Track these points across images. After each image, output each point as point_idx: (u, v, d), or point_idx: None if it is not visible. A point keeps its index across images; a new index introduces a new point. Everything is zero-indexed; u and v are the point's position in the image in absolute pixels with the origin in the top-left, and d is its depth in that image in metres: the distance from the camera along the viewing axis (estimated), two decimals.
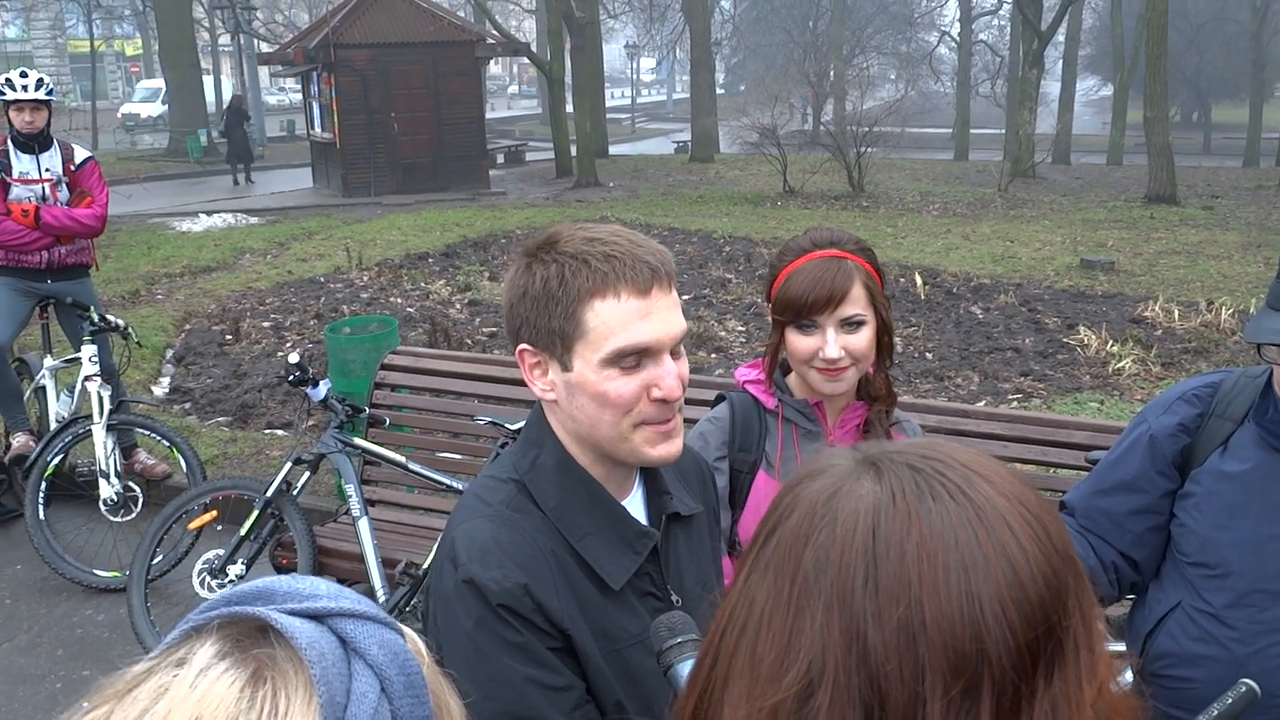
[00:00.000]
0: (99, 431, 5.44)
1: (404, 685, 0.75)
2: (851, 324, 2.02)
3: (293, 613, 0.75)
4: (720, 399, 2.25)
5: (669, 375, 1.45)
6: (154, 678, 0.71)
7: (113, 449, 5.48)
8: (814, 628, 0.77)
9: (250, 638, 0.73)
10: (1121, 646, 3.10)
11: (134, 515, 5.46)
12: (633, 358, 1.43)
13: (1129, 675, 3.04)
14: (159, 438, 5.64)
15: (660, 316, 1.44)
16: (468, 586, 1.41)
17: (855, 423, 2.16)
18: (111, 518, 5.44)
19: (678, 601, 1.58)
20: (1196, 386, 2.07)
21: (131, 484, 5.56)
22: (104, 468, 5.43)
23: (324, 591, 0.78)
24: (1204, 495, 1.98)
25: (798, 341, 2.05)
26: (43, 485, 5.43)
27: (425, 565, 4.14)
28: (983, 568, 0.75)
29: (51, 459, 5.47)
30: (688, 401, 4.66)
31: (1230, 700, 1.72)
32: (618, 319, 1.42)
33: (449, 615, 1.43)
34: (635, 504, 1.60)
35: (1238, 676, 1.87)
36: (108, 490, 5.43)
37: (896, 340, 2.27)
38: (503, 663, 1.40)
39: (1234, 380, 2.04)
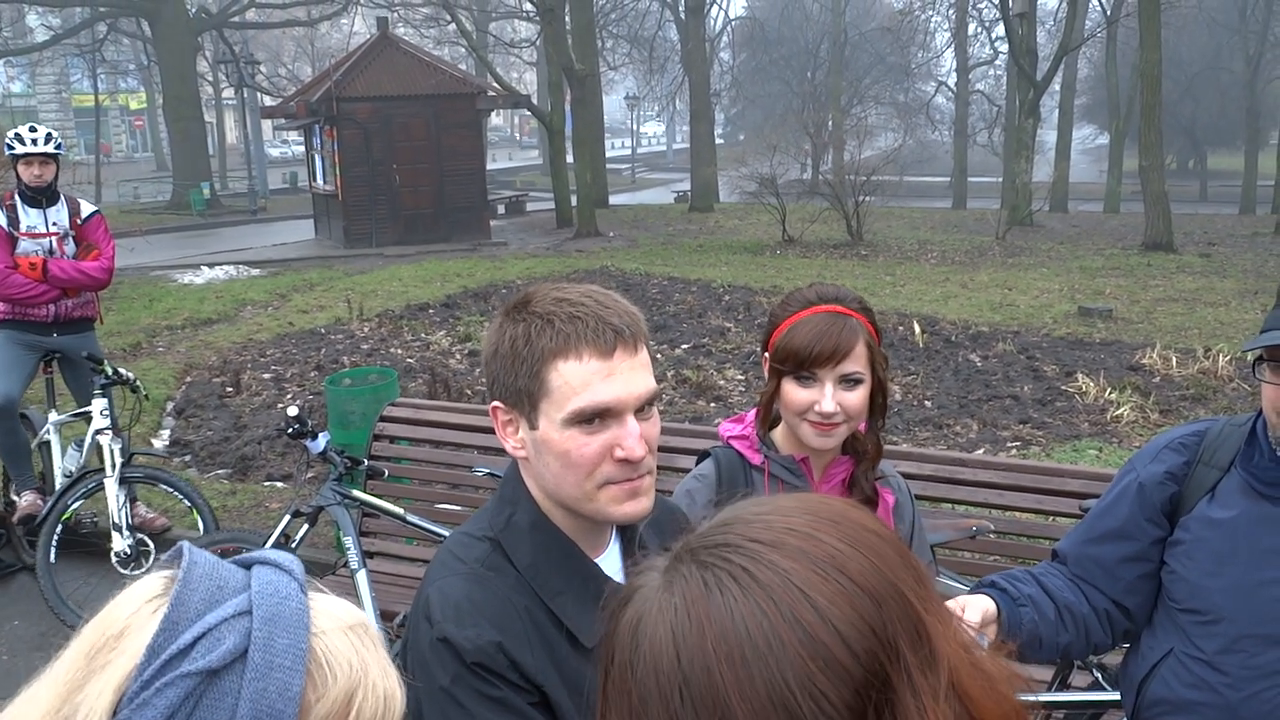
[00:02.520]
0: (111, 485, 5.44)
1: (270, 614, 0.84)
2: (850, 381, 2.03)
3: (235, 560, 0.91)
4: (705, 456, 2.26)
5: (631, 436, 1.46)
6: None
7: (124, 502, 5.48)
8: None
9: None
10: (1116, 695, 3.10)
11: (145, 569, 5.44)
12: (595, 418, 1.45)
13: None
14: (172, 490, 5.65)
15: (623, 378, 1.45)
16: (443, 645, 1.43)
17: (840, 477, 2.17)
18: (123, 570, 5.42)
19: None
20: (1183, 435, 2.09)
21: (145, 538, 5.55)
22: (116, 521, 5.42)
23: (269, 552, 0.93)
24: (1193, 542, 2.00)
25: (794, 393, 2.05)
26: (58, 529, 5.43)
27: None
28: (778, 647, 0.75)
29: (72, 503, 5.50)
30: (685, 452, 4.66)
31: None
32: (579, 379, 1.44)
33: (426, 673, 1.45)
34: (611, 559, 1.62)
35: None
36: (120, 544, 5.41)
37: (895, 388, 2.28)
38: (482, 715, 1.42)
39: (1220, 428, 2.06)
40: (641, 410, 1.49)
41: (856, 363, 2.03)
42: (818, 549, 0.80)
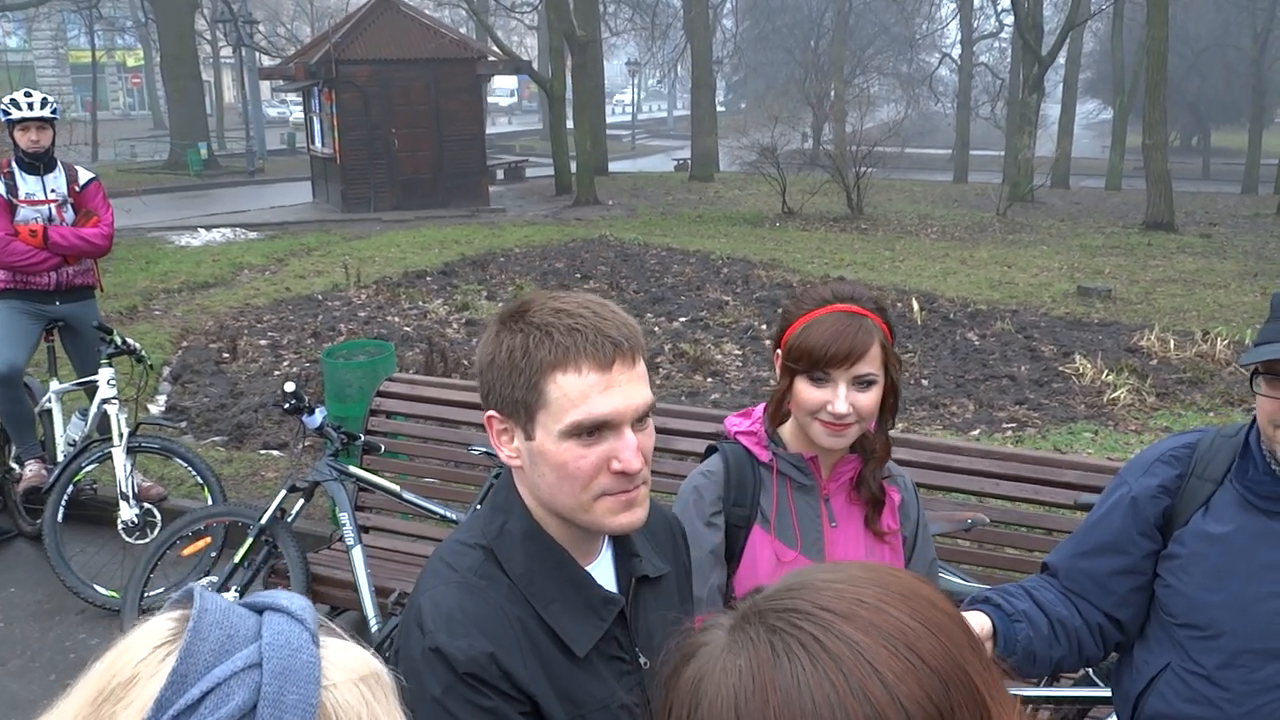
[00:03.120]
0: (119, 454, 5.45)
1: (281, 668, 0.82)
2: (863, 382, 2.02)
3: (245, 604, 0.88)
4: (711, 450, 2.25)
5: (628, 449, 1.46)
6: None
7: (130, 472, 5.48)
8: None
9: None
10: (1105, 692, 3.12)
11: (151, 538, 5.45)
12: (593, 430, 1.45)
13: None
14: (180, 461, 5.65)
15: (621, 390, 1.46)
16: (435, 655, 1.44)
17: (848, 476, 2.17)
18: (129, 539, 5.44)
19: (645, 664, 1.61)
20: (1174, 447, 2.09)
21: (152, 508, 5.56)
22: (124, 490, 5.43)
23: (280, 596, 0.90)
24: (1190, 557, 2.00)
25: (807, 392, 2.04)
26: (66, 494, 5.45)
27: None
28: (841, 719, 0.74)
29: (85, 466, 5.54)
30: (680, 434, 4.66)
31: None
32: (578, 392, 1.44)
33: (417, 682, 1.45)
34: (604, 567, 1.62)
35: None
36: (128, 513, 5.42)
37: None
38: None
39: (1210, 440, 2.06)
40: (638, 422, 1.49)
41: (871, 364, 2.02)
42: (889, 623, 0.79)
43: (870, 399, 2.03)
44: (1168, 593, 2.04)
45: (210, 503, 5.43)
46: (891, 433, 2.23)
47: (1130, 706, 2.10)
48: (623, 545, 1.65)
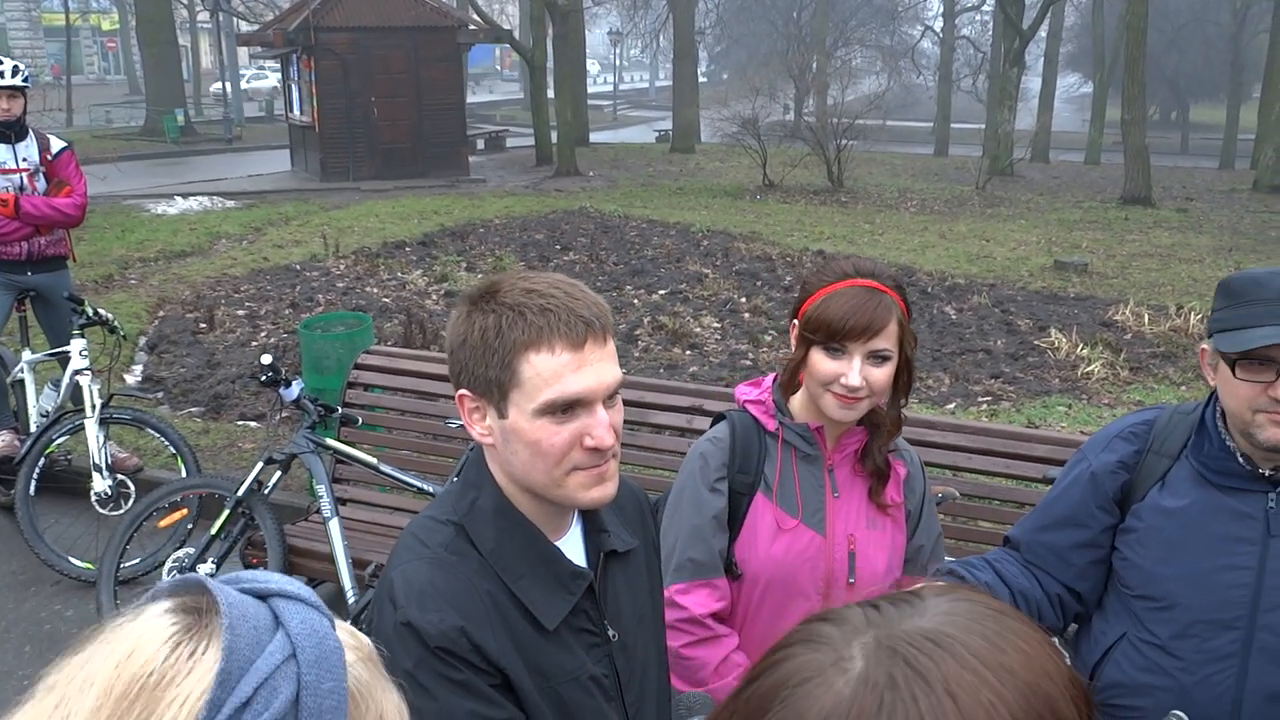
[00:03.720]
0: (91, 426, 5.42)
1: (315, 656, 0.84)
2: (879, 357, 2.05)
3: (243, 590, 0.87)
4: (720, 418, 2.28)
5: (600, 425, 1.50)
6: (114, 628, 0.84)
7: (104, 443, 5.46)
8: None
9: (199, 604, 0.85)
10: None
11: (124, 510, 5.44)
12: (565, 409, 1.48)
13: None
14: (155, 433, 5.63)
15: (593, 369, 1.49)
16: (406, 629, 1.47)
17: (853, 448, 2.21)
18: (102, 510, 5.42)
19: (614, 637, 1.64)
20: (1133, 424, 2.14)
21: (125, 479, 5.55)
22: (97, 461, 5.41)
23: (276, 579, 0.90)
24: (1146, 530, 2.05)
25: (822, 363, 2.07)
26: (39, 465, 5.42)
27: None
28: None
29: (57, 437, 5.51)
30: (657, 407, 4.68)
31: None
32: (551, 371, 1.47)
33: (389, 655, 1.48)
34: (573, 542, 1.65)
35: (1184, 705, 1.94)
36: (101, 484, 5.40)
37: None
38: (446, 698, 1.45)
39: (1168, 417, 2.11)
40: (609, 399, 1.52)
41: (887, 340, 2.05)
42: (1038, 688, 0.75)
43: (884, 374, 2.06)
44: (1124, 565, 2.09)
45: (184, 473, 5.42)
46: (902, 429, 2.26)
47: (1088, 675, 2.15)
48: (592, 521, 1.68)
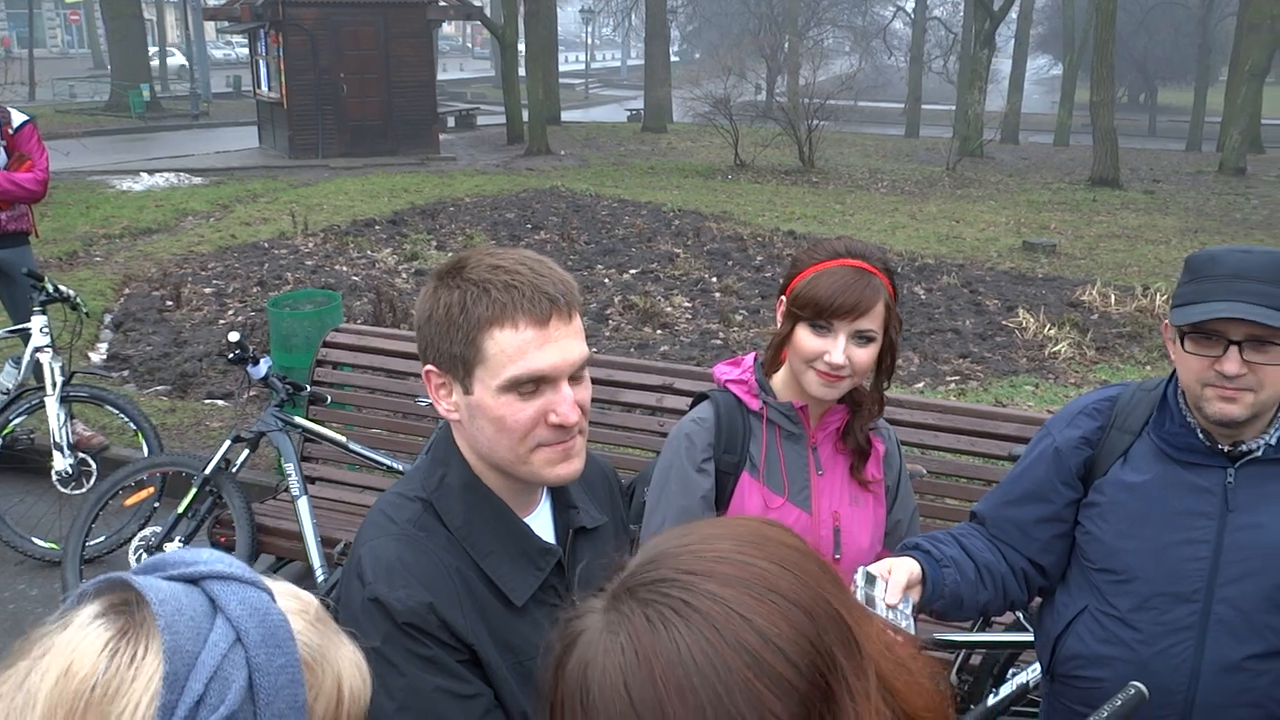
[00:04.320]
0: (52, 404, 5.35)
1: (261, 636, 0.83)
2: (864, 337, 2.06)
3: (171, 578, 0.85)
4: (702, 398, 2.29)
5: (565, 402, 1.50)
6: (42, 639, 0.82)
7: (65, 421, 5.40)
8: None
9: (128, 604, 0.82)
10: (1032, 637, 3.21)
11: (86, 489, 5.38)
12: (530, 385, 1.48)
13: (1036, 669, 3.17)
14: (116, 411, 5.57)
15: (558, 345, 1.49)
16: (374, 605, 1.46)
17: (835, 425, 2.22)
18: (63, 489, 5.37)
19: None
20: (1096, 400, 2.18)
21: (87, 457, 5.49)
22: (57, 440, 5.34)
23: (204, 559, 0.87)
24: (1108, 505, 2.08)
25: (807, 340, 2.08)
26: (0, 441, 5.37)
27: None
28: (725, 672, 0.77)
29: (13, 419, 5.45)
30: (628, 386, 4.68)
31: (1120, 702, 1.82)
32: (515, 347, 1.47)
33: (357, 632, 1.48)
34: (542, 519, 1.66)
35: (1142, 676, 1.97)
36: (62, 463, 5.33)
37: None
38: (413, 674, 1.45)
39: (1130, 394, 2.15)
40: (575, 375, 1.52)
41: (873, 320, 2.06)
42: (748, 573, 0.82)
43: (867, 355, 2.07)
44: (1087, 539, 2.12)
45: (146, 449, 5.37)
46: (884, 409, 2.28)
47: (1050, 646, 2.19)
48: (561, 497, 1.69)
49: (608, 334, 8.96)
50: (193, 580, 0.86)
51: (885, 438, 2.32)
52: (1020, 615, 3.40)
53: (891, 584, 1.87)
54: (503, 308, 1.47)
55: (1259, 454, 1.98)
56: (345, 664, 0.91)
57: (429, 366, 1.55)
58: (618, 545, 1.82)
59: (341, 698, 0.90)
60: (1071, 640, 2.12)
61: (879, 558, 2.24)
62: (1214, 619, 1.98)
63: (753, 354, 2.30)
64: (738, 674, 0.77)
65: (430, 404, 4.50)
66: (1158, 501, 2.02)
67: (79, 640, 0.80)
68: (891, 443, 2.34)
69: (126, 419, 5.50)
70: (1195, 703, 1.99)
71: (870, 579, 1.84)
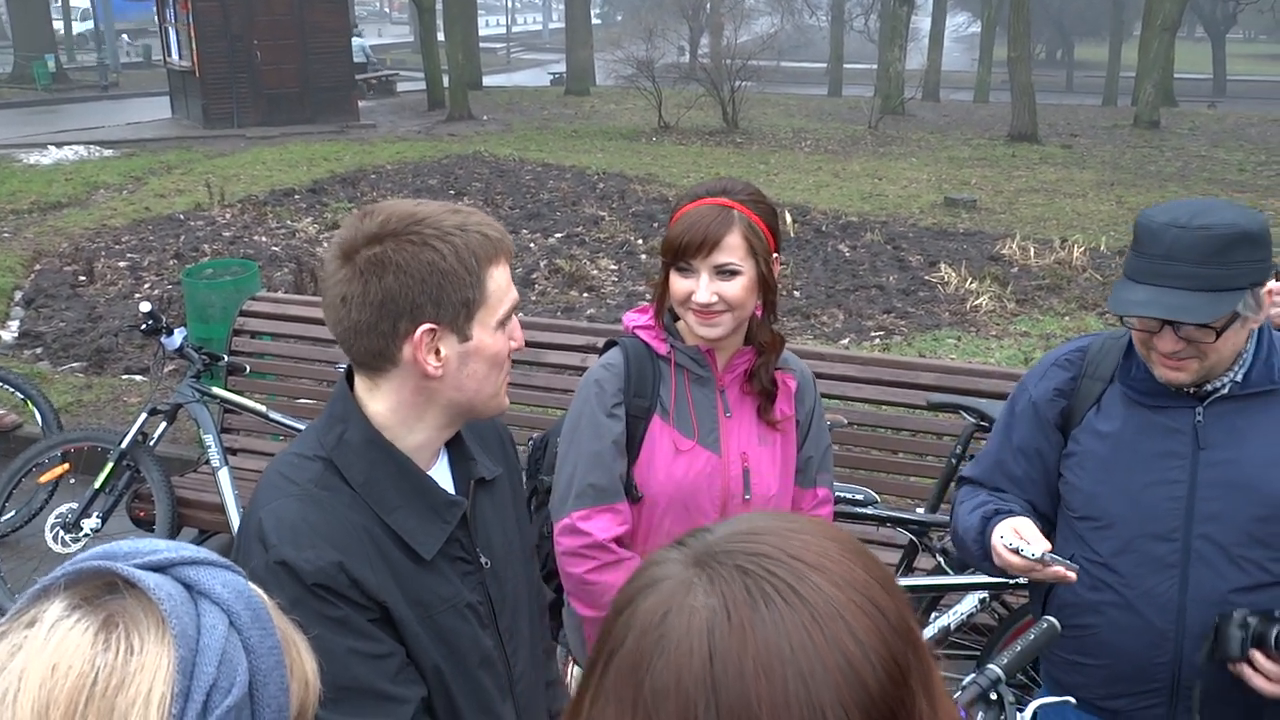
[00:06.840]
0: None
1: (251, 618, 0.83)
2: (725, 271, 2.07)
3: (137, 567, 0.82)
4: (610, 345, 2.29)
5: (519, 329, 1.62)
6: (5, 640, 0.77)
7: None
8: None
9: (97, 594, 0.80)
10: (957, 579, 3.28)
11: None
12: (508, 317, 1.59)
13: (960, 610, 3.23)
14: (10, 388, 5.41)
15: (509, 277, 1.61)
16: (281, 568, 1.44)
17: (743, 367, 2.24)
18: None
19: (486, 563, 1.65)
20: (1068, 352, 2.23)
21: None
22: None
23: (164, 546, 0.85)
24: (1084, 453, 2.14)
25: (676, 283, 2.12)
26: None
27: None
28: (820, 675, 0.75)
29: None
30: (554, 347, 4.67)
31: (1033, 636, 1.87)
32: (505, 281, 1.56)
33: None
34: (442, 472, 1.66)
35: (1130, 617, 2.02)
36: None
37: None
38: (324, 637, 1.42)
39: (1100, 343, 2.20)
40: None
41: (730, 254, 2.07)
42: (856, 579, 0.80)
43: (735, 288, 2.08)
44: (1067, 488, 2.18)
45: (40, 425, 5.23)
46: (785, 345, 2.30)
47: (1042, 599, 2.25)
48: (459, 449, 1.68)
49: (534, 298, 8.92)
50: (159, 569, 0.83)
51: (797, 373, 2.33)
52: (941, 560, 3.47)
53: (1034, 539, 1.98)
54: (495, 245, 1.54)
55: (1225, 391, 2.02)
56: (302, 642, 0.92)
57: (427, 325, 1.50)
58: (515, 497, 1.83)
59: (308, 676, 0.90)
60: (1061, 590, 2.16)
61: (793, 499, 2.27)
62: (1194, 556, 2.02)
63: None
64: (831, 676, 0.75)
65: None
66: (1130, 446, 2.07)
67: (59, 636, 0.77)
68: (804, 377, 2.35)
69: (21, 395, 5.35)
70: (1185, 640, 2.02)
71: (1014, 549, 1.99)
